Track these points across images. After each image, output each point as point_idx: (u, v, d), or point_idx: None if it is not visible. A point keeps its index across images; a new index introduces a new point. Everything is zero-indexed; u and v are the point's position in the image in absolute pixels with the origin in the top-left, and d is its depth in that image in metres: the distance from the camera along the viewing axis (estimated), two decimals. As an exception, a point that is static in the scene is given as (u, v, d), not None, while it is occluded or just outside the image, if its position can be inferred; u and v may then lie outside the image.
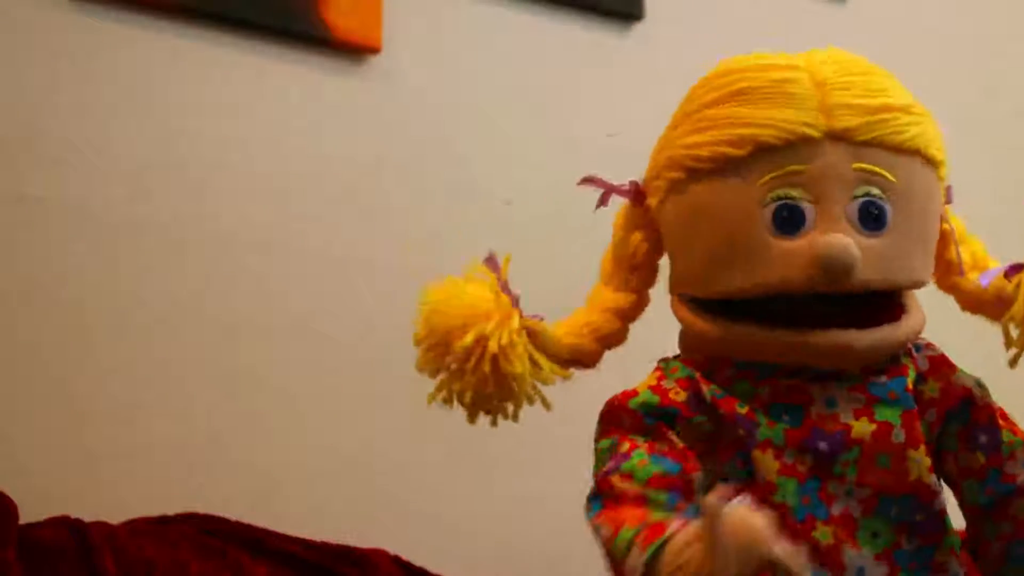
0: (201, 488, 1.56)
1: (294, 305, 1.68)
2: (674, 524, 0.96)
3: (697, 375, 1.07)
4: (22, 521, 1.31)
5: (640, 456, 1.04)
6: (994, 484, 1.08)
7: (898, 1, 2.11)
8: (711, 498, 0.89)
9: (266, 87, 1.71)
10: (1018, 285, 1.10)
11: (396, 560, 1.47)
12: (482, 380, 1.08)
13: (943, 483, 1.09)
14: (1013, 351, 1.10)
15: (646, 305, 1.15)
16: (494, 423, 1.12)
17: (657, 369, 1.10)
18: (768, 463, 1.04)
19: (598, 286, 1.16)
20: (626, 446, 1.05)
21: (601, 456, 1.07)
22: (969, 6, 2.19)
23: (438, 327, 1.09)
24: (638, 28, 1.93)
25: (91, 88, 1.62)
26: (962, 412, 1.09)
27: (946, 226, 1.13)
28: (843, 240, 1.02)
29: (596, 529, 1.02)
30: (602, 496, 1.03)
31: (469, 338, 1.07)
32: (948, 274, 1.14)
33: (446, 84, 1.82)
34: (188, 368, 1.62)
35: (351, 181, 1.74)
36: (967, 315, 1.16)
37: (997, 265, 1.14)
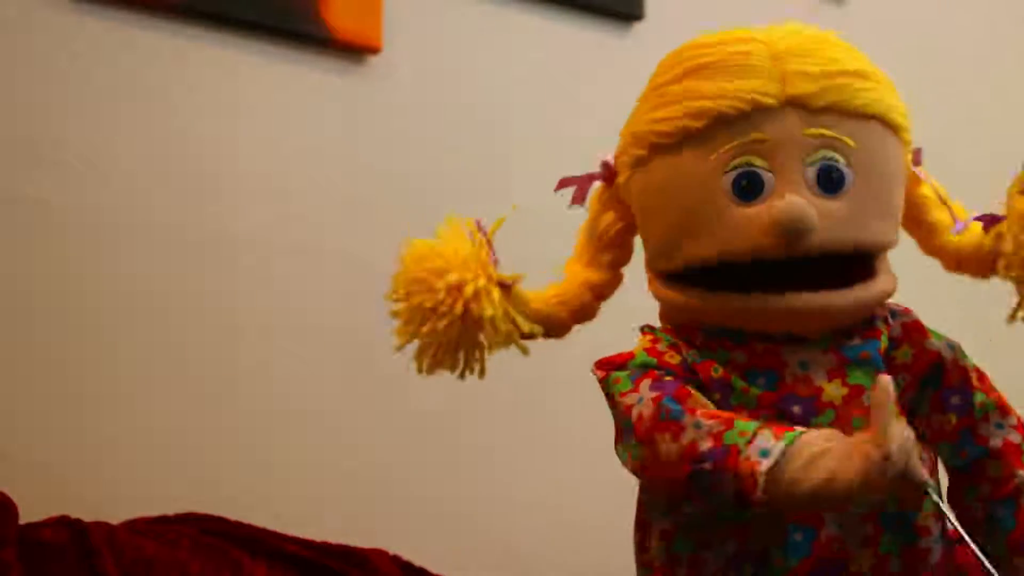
0: (201, 488, 1.56)
1: (294, 305, 1.68)
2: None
3: (679, 342, 1.09)
4: (22, 521, 1.31)
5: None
6: (968, 446, 1.09)
7: (896, 2, 2.12)
8: (886, 378, 0.94)
9: (266, 87, 1.71)
10: (998, 235, 1.10)
11: (396, 560, 1.47)
12: (452, 324, 1.09)
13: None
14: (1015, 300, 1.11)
15: (619, 283, 1.16)
16: (461, 376, 1.12)
17: (647, 334, 1.11)
18: None
19: (571, 260, 1.17)
20: (664, 373, 1.06)
21: (624, 383, 1.06)
22: (967, 6, 2.19)
23: (419, 271, 1.10)
24: (638, 28, 1.93)
25: (91, 88, 1.62)
26: (933, 376, 1.10)
27: (925, 189, 1.14)
28: (799, 202, 1.03)
29: (694, 424, 1.00)
30: (679, 400, 1.03)
31: (452, 277, 1.08)
32: (930, 237, 1.15)
33: (446, 84, 1.82)
34: (188, 368, 1.62)
35: (351, 181, 1.74)
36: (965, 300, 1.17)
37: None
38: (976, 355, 1.12)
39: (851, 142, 1.05)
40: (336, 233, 1.71)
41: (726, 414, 1.01)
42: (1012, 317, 1.11)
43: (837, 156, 1.05)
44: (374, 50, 1.76)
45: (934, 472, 1.10)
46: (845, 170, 1.05)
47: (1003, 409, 1.10)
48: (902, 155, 1.10)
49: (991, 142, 2.08)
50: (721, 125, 1.05)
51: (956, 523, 1.02)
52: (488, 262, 1.10)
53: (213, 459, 1.61)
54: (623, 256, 1.16)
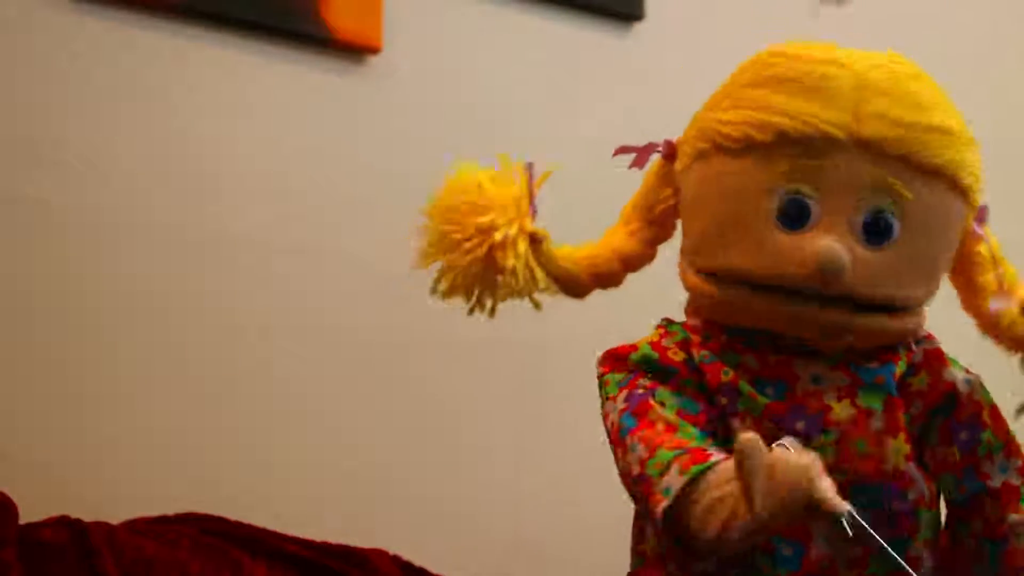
0: (201, 488, 1.56)
1: (294, 305, 1.68)
2: (718, 454, 0.97)
3: (692, 338, 1.08)
4: (22, 521, 1.30)
5: (665, 393, 1.05)
6: (969, 482, 1.08)
7: (896, 2, 2.11)
8: (746, 436, 0.90)
9: (266, 87, 1.71)
10: None
11: (396, 560, 1.47)
12: (473, 263, 1.09)
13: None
14: None
15: (650, 260, 1.16)
16: (471, 312, 1.12)
17: (660, 327, 1.11)
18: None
19: (613, 228, 1.16)
20: (647, 381, 1.06)
21: (611, 387, 1.07)
22: (968, 7, 2.19)
23: (456, 201, 1.11)
24: (638, 28, 1.93)
25: (91, 88, 1.62)
26: (946, 407, 1.09)
27: (981, 248, 1.12)
28: (835, 247, 1.02)
29: (631, 448, 1.01)
30: (636, 416, 1.03)
31: (485, 219, 1.08)
32: (972, 297, 1.13)
33: (446, 84, 1.81)
34: (188, 369, 1.62)
35: (351, 181, 1.74)
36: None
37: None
38: (999, 374, 1.11)
39: (909, 195, 1.03)
40: (336, 233, 1.71)
41: (658, 438, 1.00)
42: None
43: (891, 206, 1.04)
44: (374, 50, 1.75)
45: (934, 503, 1.09)
46: (894, 223, 1.04)
47: (1009, 450, 1.09)
48: (963, 216, 1.08)
49: (991, 142, 2.08)
50: (785, 144, 1.03)
51: (885, 544, 0.99)
52: (526, 211, 1.10)
53: (213, 459, 1.61)
54: (664, 234, 1.15)
